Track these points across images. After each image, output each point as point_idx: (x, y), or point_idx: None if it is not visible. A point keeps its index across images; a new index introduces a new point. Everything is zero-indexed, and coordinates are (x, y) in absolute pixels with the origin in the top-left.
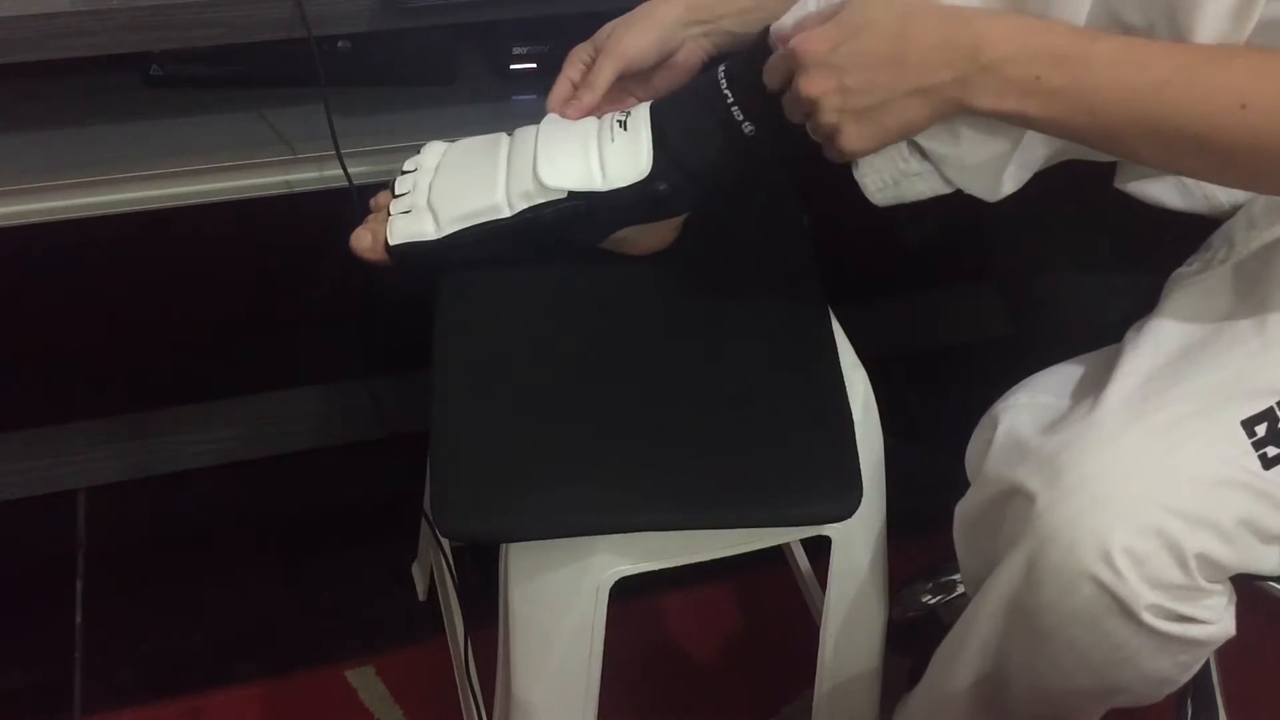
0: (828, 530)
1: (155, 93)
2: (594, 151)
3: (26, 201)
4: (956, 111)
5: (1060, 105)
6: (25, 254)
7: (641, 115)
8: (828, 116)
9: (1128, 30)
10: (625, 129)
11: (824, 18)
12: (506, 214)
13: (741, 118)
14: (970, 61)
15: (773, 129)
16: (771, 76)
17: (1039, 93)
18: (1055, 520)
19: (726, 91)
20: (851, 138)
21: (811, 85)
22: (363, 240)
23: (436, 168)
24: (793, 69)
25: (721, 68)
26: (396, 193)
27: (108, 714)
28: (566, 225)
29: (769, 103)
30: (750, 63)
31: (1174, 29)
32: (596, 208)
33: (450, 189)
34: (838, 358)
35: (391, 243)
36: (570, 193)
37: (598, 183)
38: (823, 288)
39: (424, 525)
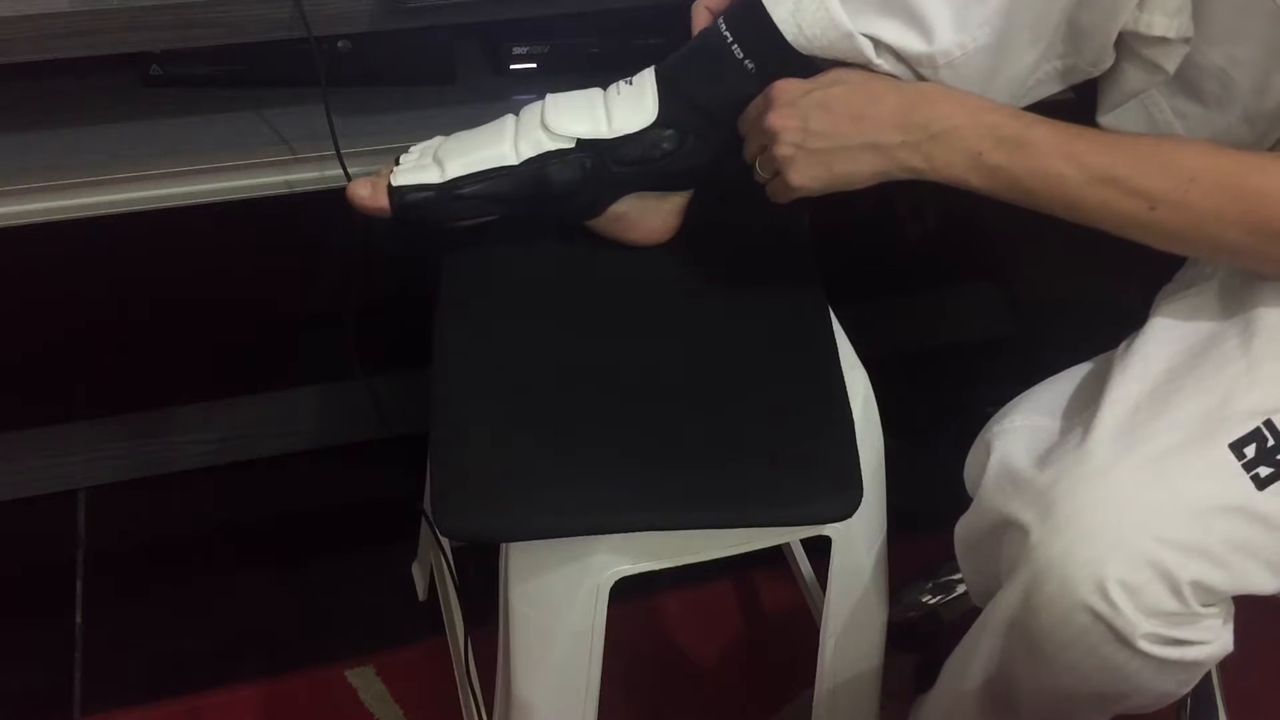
0: (828, 530)
1: (155, 93)
2: (600, 105)
3: (26, 201)
4: (902, 172)
5: (997, 180)
6: (25, 254)
7: (646, 73)
8: (784, 149)
9: None
10: (631, 85)
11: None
12: (513, 162)
13: (742, 55)
14: (922, 129)
15: (773, 67)
16: (744, 119)
17: (980, 167)
18: (1049, 554)
19: (726, 33)
20: (799, 172)
21: (777, 119)
22: (361, 189)
23: (443, 141)
24: (765, 106)
25: (721, 15)
26: (401, 160)
27: (108, 714)
28: (572, 183)
29: (769, 41)
30: (749, 6)
31: None
32: (603, 162)
33: (458, 145)
34: (838, 358)
35: (394, 183)
36: (578, 142)
37: (603, 130)
38: (823, 288)
39: (424, 525)
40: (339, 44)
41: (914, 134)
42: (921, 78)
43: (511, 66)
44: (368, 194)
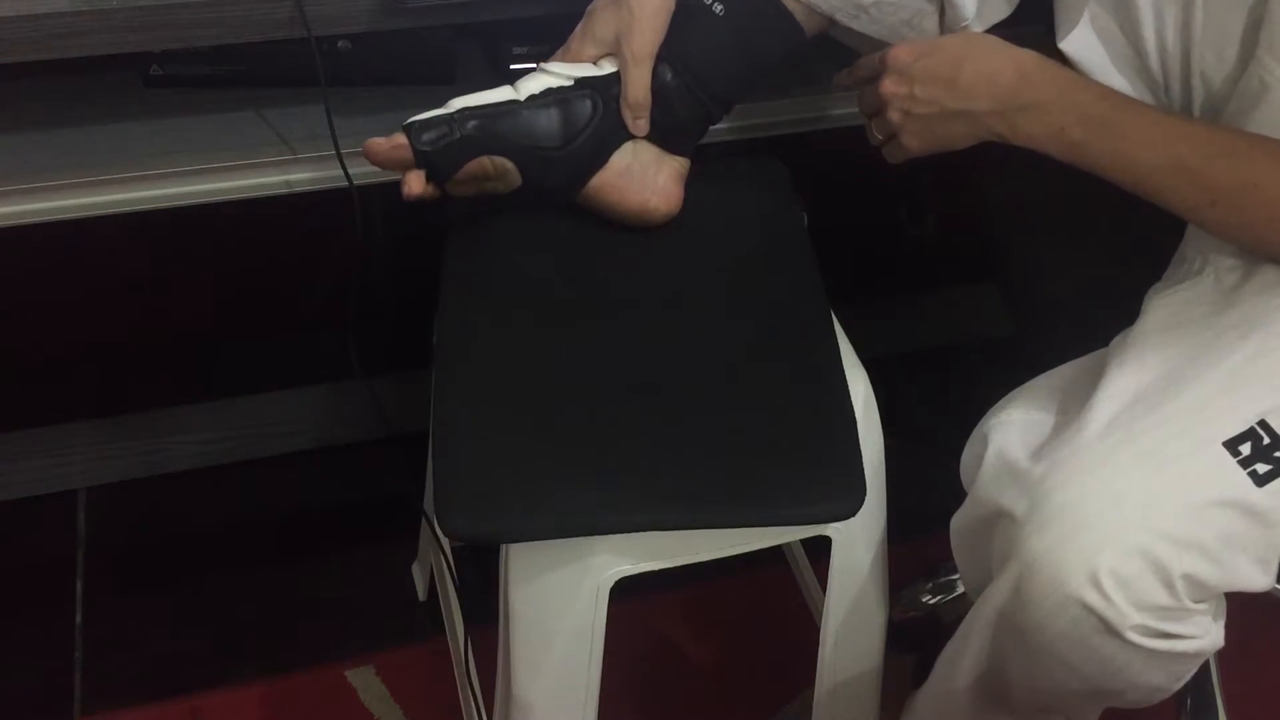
0: (828, 530)
1: (155, 93)
2: (590, 64)
3: (26, 201)
4: (991, 135)
5: (1077, 155)
6: (25, 254)
7: None
8: (893, 115)
9: None
10: None
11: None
12: (518, 99)
13: (710, 1)
14: (1010, 99)
15: (740, 9)
16: (865, 66)
17: (1061, 141)
18: (1040, 545)
19: None
20: (909, 137)
21: (888, 86)
22: (378, 140)
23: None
24: (880, 71)
25: None
26: None
27: (108, 714)
28: (575, 114)
29: None
30: None
31: None
32: (601, 100)
33: (464, 96)
34: (838, 358)
35: (406, 122)
36: (576, 80)
37: (594, 72)
38: (823, 287)
39: (424, 525)
40: (339, 44)
41: (1002, 103)
42: None
43: (511, 66)
44: (384, 139)
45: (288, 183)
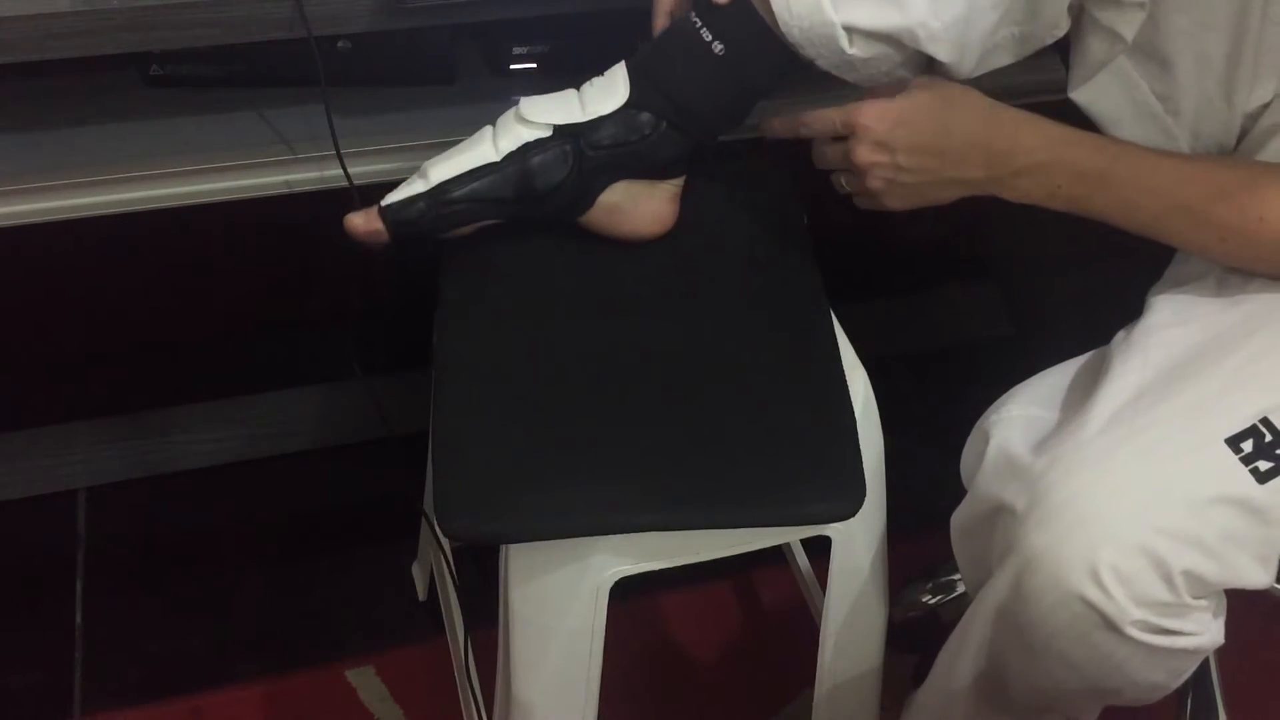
0: (828, 530)
1: (155, 93)
2: (573, 97)
3: (26, 201)
4: (984, 194)
5: (1078, 208)
6: (25, 254)
7: (618, 64)
8: (875, 183)
9: None
10: (603, 76)
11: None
12: (495, 158)
13: (710, 38)
14: (1004, 165)
15: (741, 48)
16: (819, 124)
17: (1059, 198)
18: (1041, 540)
19: (695, 19)
20: (893, 199)
21: (868, 155)
22: (355, 219)
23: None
24: (847, 133)
25: (693, 3)
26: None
27: (108, 714)
28: (555, 171)
29: (735, 22)
30: None
31: None
32: (581, 148)
33: (440, 158)
34: (838, 357)
35: (384, 203)
36: (555, 129)
37: (577, 114)
38: (823, 287)
39: (424, 525)
40: (339, 44)
41: (997, 169)
42: (905, 53)
43: (511, 66)
44: (363, 220)
45: (288, 183)
